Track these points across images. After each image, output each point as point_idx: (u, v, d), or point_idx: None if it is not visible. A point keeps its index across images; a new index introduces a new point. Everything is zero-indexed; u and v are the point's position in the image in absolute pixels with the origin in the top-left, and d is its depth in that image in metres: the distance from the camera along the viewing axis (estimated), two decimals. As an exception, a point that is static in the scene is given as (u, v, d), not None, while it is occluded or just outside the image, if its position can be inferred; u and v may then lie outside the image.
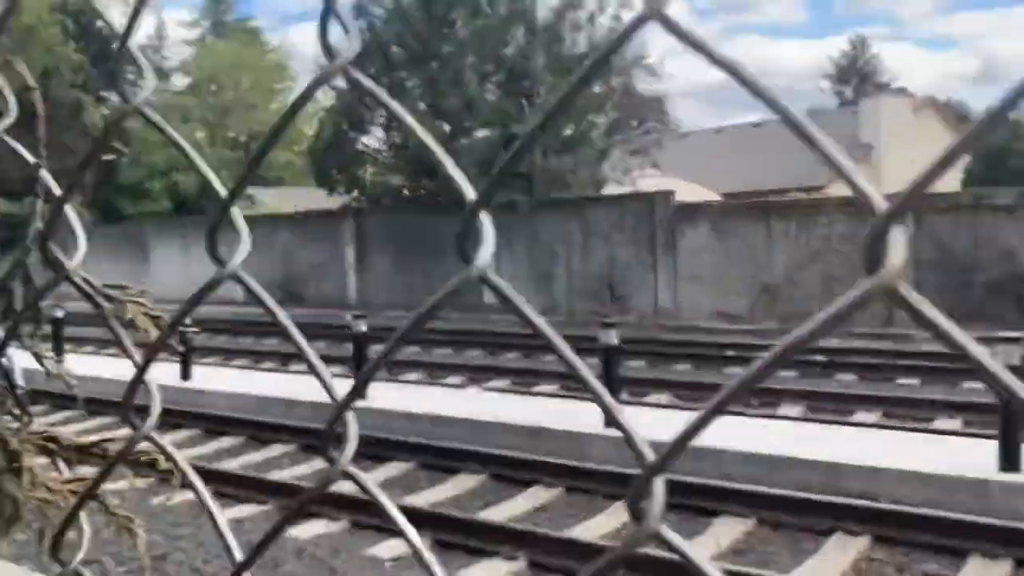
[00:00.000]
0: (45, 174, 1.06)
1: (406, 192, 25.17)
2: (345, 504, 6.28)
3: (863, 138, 34.59)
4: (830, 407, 9.84)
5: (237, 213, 0.82)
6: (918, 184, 0.45)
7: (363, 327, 9.39)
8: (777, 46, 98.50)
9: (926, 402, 9.73)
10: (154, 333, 1.04)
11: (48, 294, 1.06)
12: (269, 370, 13.27)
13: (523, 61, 23.00)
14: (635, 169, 24.15)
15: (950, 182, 27.42)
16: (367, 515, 6.10)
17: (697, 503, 6.28)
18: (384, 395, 9.56)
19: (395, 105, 0.72)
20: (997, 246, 17.48)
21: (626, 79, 24.42)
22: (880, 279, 0.46)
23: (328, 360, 11.51)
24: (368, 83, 0.70)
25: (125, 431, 0.94)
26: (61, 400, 8.54)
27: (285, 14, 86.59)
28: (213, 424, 9.44)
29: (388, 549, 5.59)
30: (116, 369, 9.73)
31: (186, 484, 0.90)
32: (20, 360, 1.15)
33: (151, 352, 0.92)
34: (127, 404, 0.91)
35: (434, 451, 7.80)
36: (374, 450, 8.13)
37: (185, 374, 11.14)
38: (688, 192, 24.29)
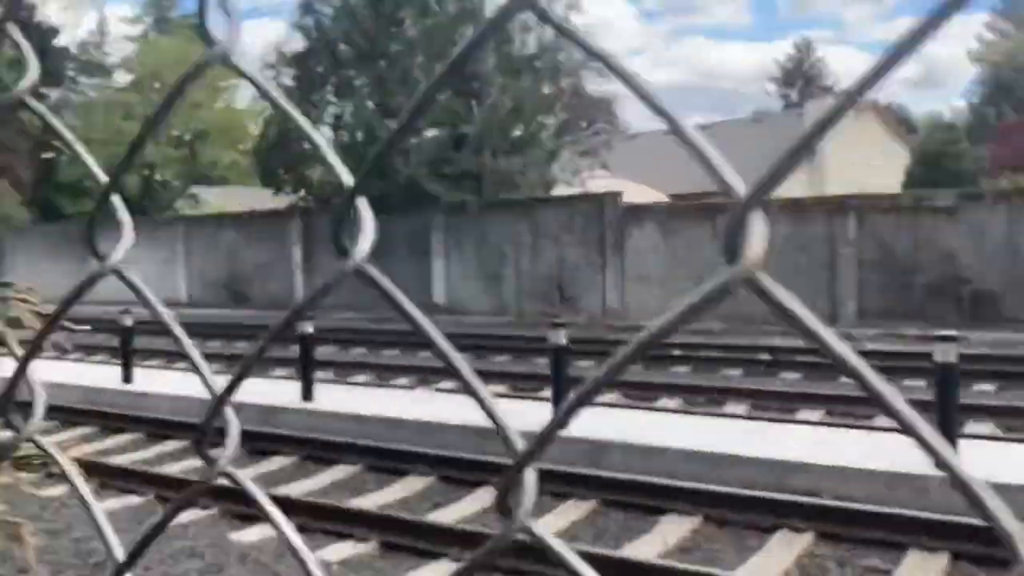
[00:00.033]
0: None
1: (354, 192, 24.95)
2: (288, 508, 6.21)
3: (807, 141, 35.23)
4: (775, 405, 10.00)
5: (118, 203, 0.77)
6: (774, 173, 0.45)
7: (309, 328, 9.30)
8: (724, 48, 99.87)
9: (868, 400, 9.91)
10: (55, 332, 0.98)
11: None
12: (213, 372, 13.05)
13: (472, 62, 22.97)
14: (584, 170, 24.29)
15: (892, 184, 28.04)
16: (313, 519, 6.05)
17: (644, 502, 6.34)
18: (332, 397, 9.49)
19: (274, 93, 0.70)
20: (937, 247, 17.92)
21: (575, 80, 24.55)
22: (740, 268, 0.45)
23: (274, 362, 11.48)
24: (248, 70, 0.66)
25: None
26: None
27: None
28: (156, 428, 9.27)
29: (335, 552, 5.54)
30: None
31: (73, 482, 0.85)
32: None
33: (33, 348, 0.86)
34: (6, 400, 0.85)
35: (382, 453, 7.75)
36: (320, 453, 8.06)
37: (127, 377, 10.92)
38: (636, 193, 24.49)
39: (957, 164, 27.84)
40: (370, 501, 6.78)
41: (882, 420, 9.01)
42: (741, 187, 0.48)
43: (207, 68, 0.70)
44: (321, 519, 6.09)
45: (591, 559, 5.27)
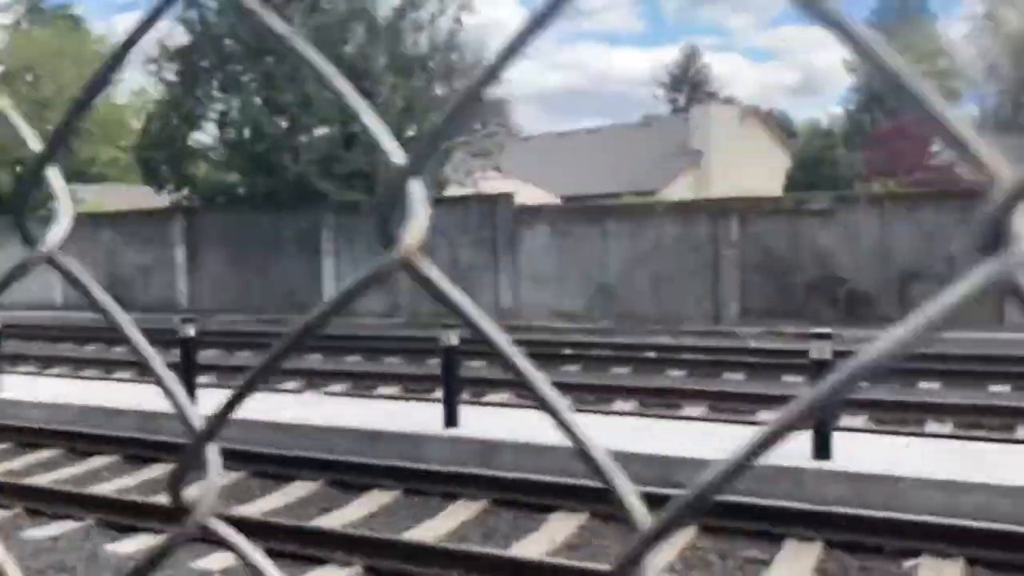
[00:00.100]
0: None
1: (241, 190, 24.36)
2: (168, 518, 6.02)
3: (693, 144, 36.15)
4: (661, 402, 10.24)
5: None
6: (426, 144, 0.47)
7: (191, 331, 9.01)
8: (614, 53, 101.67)
9: (750, 396, 10.27)
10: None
11: None
12: (91, 378, 12.53)
13: (363, 60, 22.74)
14: (477, 171, 24.35)
15: (774, 187, 29.08)
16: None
17: (533, 500, 6.40)
18: (215, 402, 9.21)
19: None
20: (815, 249, 18.68)
21: (468, 82, 24.57)
22: (397, 254, 0.47)
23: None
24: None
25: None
26: None
27: (109, 2, 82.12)
28: (27, 436, 8.83)
29: (216, 561, 5.39)
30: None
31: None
32: None
33: None
34: None
35: (267, 459, 7.58)
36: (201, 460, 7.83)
37: (-4, 383, 10.36)
38: (529, 195, 24.72)
39: (834, 169, 29.09)
40: (255, 508, 6.63)
41: (764, 415, 9.34)
42: (400, 159, 0.49)
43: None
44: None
45: (479, 559, 5.29)
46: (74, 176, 37.95)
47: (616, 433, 7.50)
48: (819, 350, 6.40)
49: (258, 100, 23.02)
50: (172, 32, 24.56)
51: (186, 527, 0.59)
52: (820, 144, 32.10)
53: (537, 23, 0.46)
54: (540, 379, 0.51)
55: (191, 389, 9.03)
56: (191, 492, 0.60)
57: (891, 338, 0.39)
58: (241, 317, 21.25)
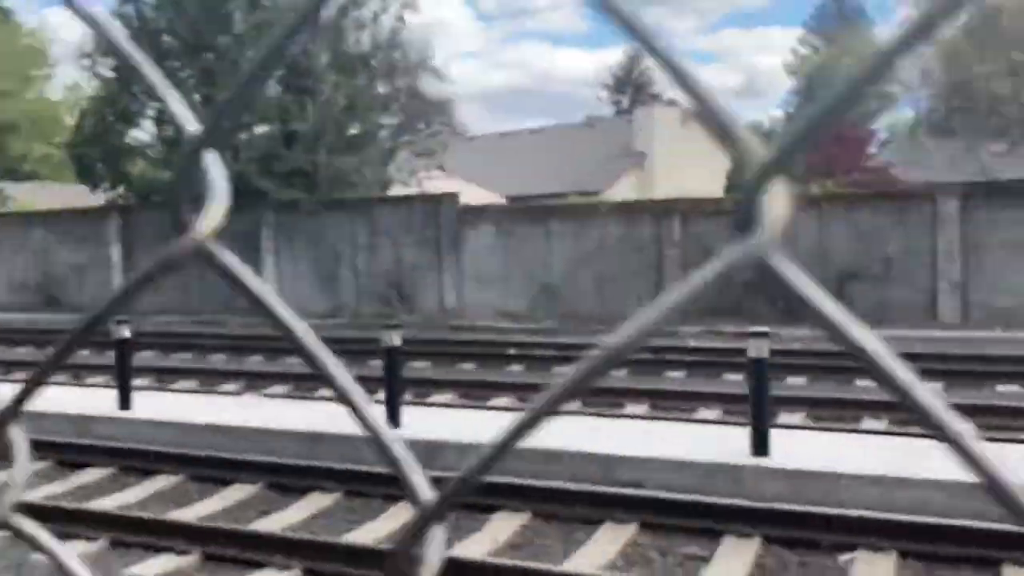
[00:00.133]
0: None
1: (179, 189, 23.85)
2: (105, 522, 5.88)
3: (637, 146, 36.47)
4: (604, 400, 10.28)
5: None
6: (222, 111, 0.46)
7: (126, 332, 8.78)
8: (558, 54, 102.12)
9: (690, 394, 10.37)
10: None
11: None
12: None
13: (305, 58, 22.47)
14: (421, 171, 24.22)
15: (715, 188, 29.46)
16: (130, 533, 5.74)
17: (475, 501, 6.36)
18: (152, 405, 9.03)
19: None
20: (752, 249, 18.94)
21: (412, 81, 24.45)
22: (191, 240, 0.46)
23: (90, 369, 10.83)
24: None
25: None
26: None
27: (41, -5, 79.82)
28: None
29: (149, 568, 5.27)
30: None
31: None
32: None
33: None
34: None
35: (206, 462, 7.44)
36: (139, 463, 7.66)
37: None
38: (473, 195, 24.68)
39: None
40: (193, 512, 6.50)
41: (703, 412, 9.44)
42: (194, 126, 0.48)
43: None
44: (139, 533, 5.78)
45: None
46: (5, 174, 36.91)
47: (559, 432, 7.50)
48: (757, 348, 6.48)
49: (197, 97, 22.60)
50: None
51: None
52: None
53: None
54: (341, 372, 0.52)
55: (126, 391, 8.83)
56: None
57: (641, 320, 0.43)
58: (177, 318, 20.86)
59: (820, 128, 0.39)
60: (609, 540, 5.68)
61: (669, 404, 9.97)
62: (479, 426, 7.85)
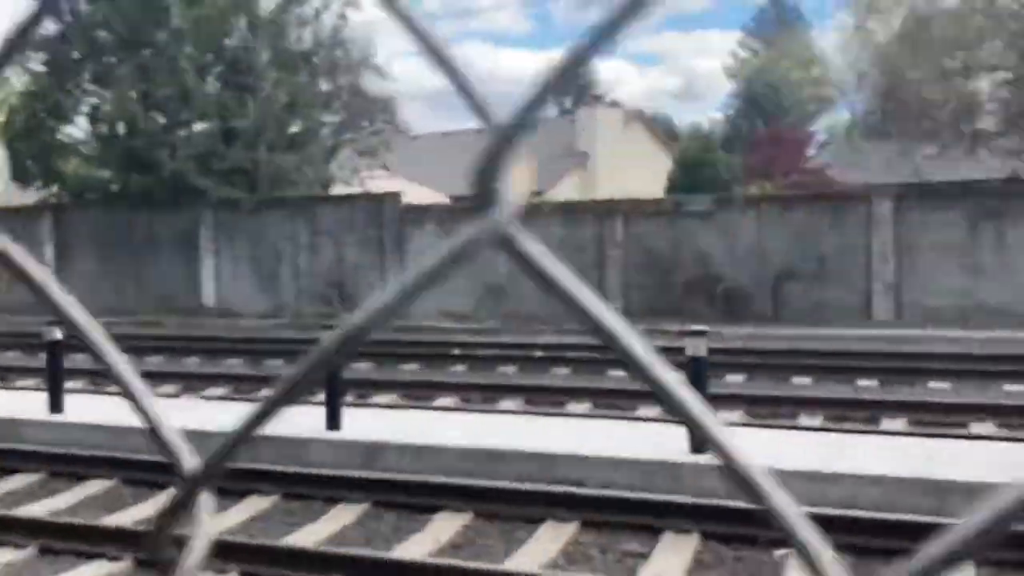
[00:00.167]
0: None
1: (115, 187, 23.35)
2: (34, 529, 5.72)
3: (579, 146, 36.67)
4: (546, 400, 10.32)
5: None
6: None
7: (58, 335, 8.51)
8: (502, 54, 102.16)
9: (631, 392, 10.45)
10: None
11: None
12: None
13: (245, 54, 22.15)
14: (364, 170, 24.03)
15: (656, 189, 29.76)
16: (61, 539, 5.59)
17: (417, 501, 6.34)
18: (84, 408, 8.81)
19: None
20: (694, 249, 19.20)
21: (354, 79, 24.24)
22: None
23: (19, 371, 10.54)
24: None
25: None
26: None
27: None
28: None
29: (83, 574, 5.13)
30: None
31: None
32: None
33: None
34: None
35: (140, 466, 7.27)
36: (70, 468, 7.47)
37: None
38: (416, 194, 24.55)
39: (714, 172, 29.96)
40: (127, 516, 6.36)
41: (644, 411, 9.53)
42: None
43: None
44: (69, 539, 5.64)
45: (360, 562, 5.20)
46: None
47: (502, 431, 7.51)
48: (694, 347, 6.57)
49: (133, 94, 22.12)
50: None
51: None
52: (700, 147, 33.03)
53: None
54: (127, 368, 0.56)
55: (57, 394, 8.61)
56: None
57: (384, 297, 0.44)
58: (114, 319, 20.39)
59: (545, 96, 0.39)
60: (550, 538, 5.70)
61: (611, 402, 10.04)
62: (422, 427, 7.82)
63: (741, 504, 5.84)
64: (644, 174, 32.89)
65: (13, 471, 7.49)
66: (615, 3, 0.39)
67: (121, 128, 22.54)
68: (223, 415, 8.47)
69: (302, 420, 7.71)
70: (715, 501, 5.89)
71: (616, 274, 19.61)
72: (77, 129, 24.16)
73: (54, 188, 24.48)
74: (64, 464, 7.52)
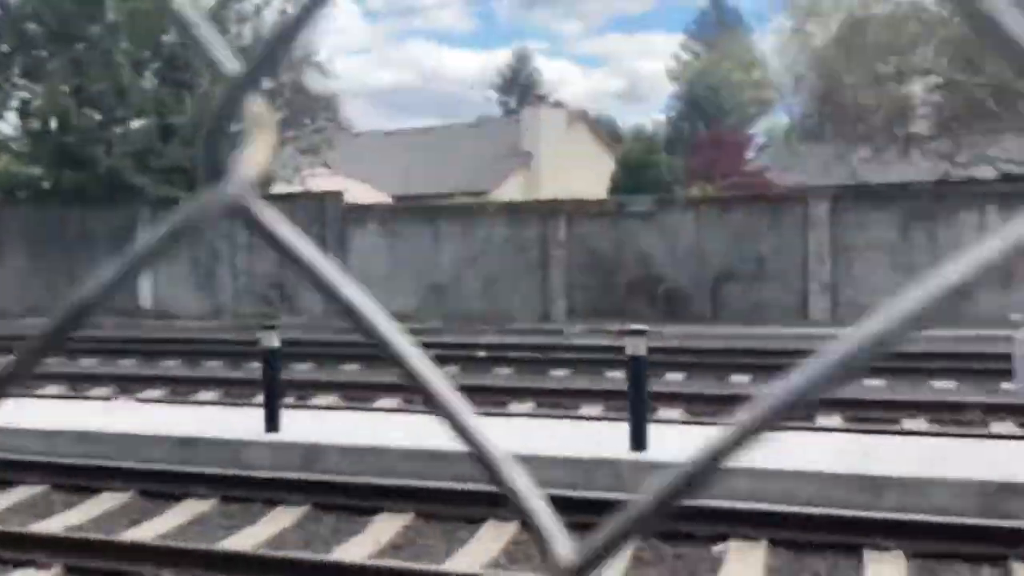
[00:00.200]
0: None
1: (46, 184, 22.74)
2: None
3: (524, 146, 36.73)
4: (489, 399, 10.30)
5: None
6: None
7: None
8: (446, 53, 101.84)
9: (574, 391, 10.51)
10: None
11: None
12: None
13: (183, 50, 21.75)
14: (305, 168, 23.77)
15: (599, 190, 29.96)
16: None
17: (357, 503, 6.28)
18: (15, 412, 8.55)
19: None
20: (636, 249, 19.37)
21: (296, 76, 23.96)
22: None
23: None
24: None
25: None
26: None
27: None
28: None
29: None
30: None
31: None
32: None
33: None
34: None
35: (71, 470, 7.09)
36: (0, 473, 7.25)
37: None
38: (358, 193, 24.36)
39: (656, 173, 30.27)
40: (58, 523, 6.19)
41: (586, 409, 9.58)
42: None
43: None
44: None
45: (298, 565, 5.13)
46: None
47: (436, 431, 7.45)
48: (634, 346, 6.61)
49: (66, 88, 21.57)
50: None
51: None
52: (642, 149, 33.33)
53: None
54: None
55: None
56: None
57: (112, 271, 0.45)
58: (46, 320, 19.86)
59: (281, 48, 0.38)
60: (492, 538, 5.69)
61: (553, 401, 10.07)
62: (362, 428, 7.75)
63: (681, 501, 5.90)
64: (587, 175, 33.08)
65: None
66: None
67: (53, 124, 21.97)
68: (159, 417, 8.30)
69: (240, 422, 7.60)
70: (656, 499, 5.94)
71: (560, 274, 19.68)
72: (6, 125, 23.50)
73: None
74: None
